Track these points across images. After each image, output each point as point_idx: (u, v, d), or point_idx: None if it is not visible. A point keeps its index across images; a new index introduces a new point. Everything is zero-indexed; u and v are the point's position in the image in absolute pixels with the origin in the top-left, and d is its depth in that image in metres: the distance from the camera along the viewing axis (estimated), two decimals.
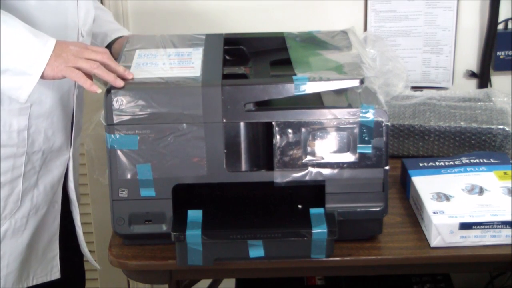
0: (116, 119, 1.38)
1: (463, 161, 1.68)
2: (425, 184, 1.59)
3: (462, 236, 1.47)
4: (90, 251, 2.27)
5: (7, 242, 1.50)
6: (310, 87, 1.38)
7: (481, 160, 1.68)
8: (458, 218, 1.47)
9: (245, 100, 1.38)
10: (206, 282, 2.06)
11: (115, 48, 1.67)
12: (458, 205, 1.51)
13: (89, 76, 1.38)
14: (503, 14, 2.02)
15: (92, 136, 1.60)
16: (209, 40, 1.61)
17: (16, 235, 1.52)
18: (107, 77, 1.37)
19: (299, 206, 1.48)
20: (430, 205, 1.52)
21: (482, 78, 2.06)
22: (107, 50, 1.43)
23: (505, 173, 1.62)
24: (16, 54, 1.33)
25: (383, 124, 1.40)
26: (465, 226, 1.46)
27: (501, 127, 1.79)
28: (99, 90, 1.38)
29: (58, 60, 1.36)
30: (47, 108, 1.51)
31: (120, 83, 1.37)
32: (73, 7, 1.50)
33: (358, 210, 1.45)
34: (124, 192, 1.43)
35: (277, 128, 1.40)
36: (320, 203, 1.45)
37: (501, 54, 2.04)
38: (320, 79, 1.39)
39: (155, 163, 1.41)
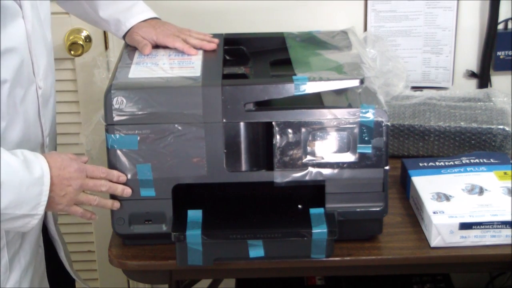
0: (116, 119, 1.38)
1: (463, 161, 1.68)
2: (425, 184, 1.59)
3: (462, 236, 1.47)
4: (90, 251, 2.29)
5: None
6: (310, 87, 1.38)
7: (481, 160, 1.68)
8: (458, 218, 1.47)
9: (245, 100, 1.38)
10: (206, 282, 2.06)
11: (136, 39, 1.59)
12: (458, 205, 1.51)
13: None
14: (503, 14, 2.01)
15: (92, 136, 1.60)
16: None
17: None
18: (104, 206, 1.41)
19: (299, 206, 1.48)
20: (430, 205, 1.52)
21: (482, 78, 2.06)
22: (104, 170, 1.39)
23: (505, 173, 1.62)
24: (14, 201, 1.26)
25: (383, 124, 1.40)
26: (465, 226, 1.46)
27: (501, 127, 1.79)
28: (97, 217, 1.43)
29: (58, 201, 1.32)
30: None
31: (117, 205, 1.43)
32: (28, 61, 1.35)
33: (358, 210, 1.45)
34: None
35: (277, 128, 1.40)
36: (320, 203, 1.45)
37: (501, 54, 2.04)
38: (320, 79, 1.39)
39: (155, 163, 1.41)
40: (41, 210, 1.30)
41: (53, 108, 1.49)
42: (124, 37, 1.63)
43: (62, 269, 1.60)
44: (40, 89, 1.39)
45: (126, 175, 1.41)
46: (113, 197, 1.43)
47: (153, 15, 1.64)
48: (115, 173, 1.41)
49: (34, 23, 1.35)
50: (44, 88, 1.41)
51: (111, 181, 1.40)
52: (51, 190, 1.30)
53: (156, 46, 1.59)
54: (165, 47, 1.58)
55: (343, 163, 1.42)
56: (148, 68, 1.47)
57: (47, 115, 1.44)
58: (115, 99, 1.37)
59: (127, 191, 1.41)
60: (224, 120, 1.39)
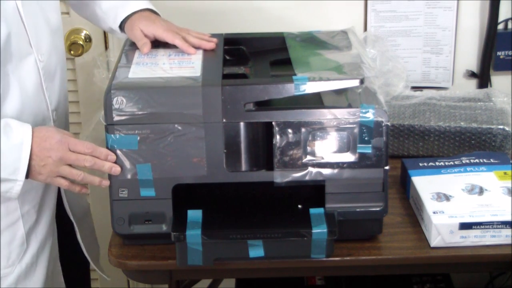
0: (116, 119, 1.38)
1: (463, 161, 1.68)
2: (425, 184, 1.59)
3: (462, 236, 1.47)
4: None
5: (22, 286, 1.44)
6: (310, 87, 1.38)
7: (481, 160, 1.68)
8: (458, 218, 1.47)
9: (245, 100, 1.38)
10: (206, 282, 2.06)
11: (135, 35, 1.57)
12: (458, 205, 1.51)
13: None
14: (503, 14, 2.01)
15: (92, 136, 1.60)
16: None
17: (29, 276, 1.46)
18: (91, 183, 1.39)
19: (299, 206, 1.48)
20: (430, 205, 1.52)
21: (482, 78, 2.06)
22: (90, 146, 1.37)
23: (505, 173, 1.62)
24: None
25: (383, 124, 1.40)
26: (465, 226, 1.46)
27: (501, 127, 1.79)
28: (88, 190, 1.41)
29: (38, 171, 1.33)
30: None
31: (106, 183, 1.41)
32: (21, 33, 1.37)
33: (358, 210, 1.45)
34: (124, 192, 1.43)
35: (277, 128, 1.40)
36: (320, 203, 1.45)
37: (501, 54, 2.04)
38: (320, 79, 1.39)
39: (155, 163, 1.41)
40: (21, 176, 1.32)
41: (61, 84, 1.50)
42: (122, 27, 1.62)
43: (75, 251, 1.62)
44: (41, 62, 1.41)
45: (126, 175, 1.41)
46: (113, 198, 1.44)
47: (150, 6, 1.64)
48: (103, 151, 1.38)
49: (29, 2, 1.37)
50: (47, 62, 1.42)
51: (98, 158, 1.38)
52: (32, 159, 1.32)
53: (156, 45, 1.59)
54: (165, 47, 1.58)
55: (343, 163, 1.42)
56: (148, 68, 1.47)
57: (52, 89, 1.46)
58: (115, 99, 1.38)
59: (116, 169, 1.39)
60: (224, 120, 1.39)
